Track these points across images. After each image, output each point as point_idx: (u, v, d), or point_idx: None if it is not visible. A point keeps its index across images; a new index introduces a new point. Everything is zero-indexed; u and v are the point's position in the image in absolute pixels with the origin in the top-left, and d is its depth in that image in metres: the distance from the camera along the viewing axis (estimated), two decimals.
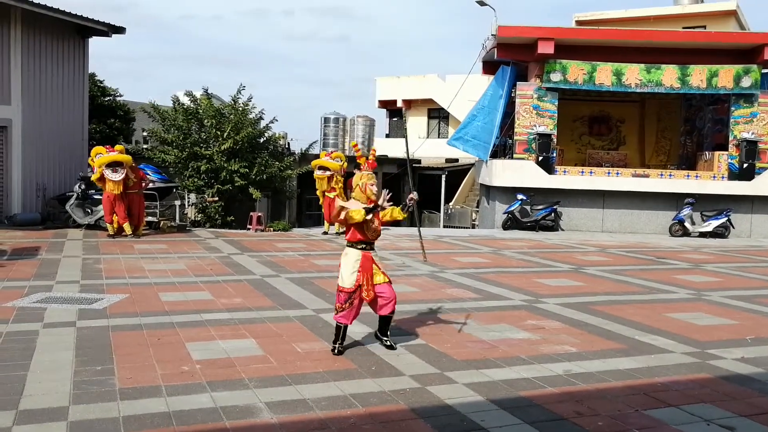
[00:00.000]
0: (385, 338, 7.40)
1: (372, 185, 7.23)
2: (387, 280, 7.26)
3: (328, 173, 18.92)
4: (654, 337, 8.29)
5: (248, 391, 5.93)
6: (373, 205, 7.08)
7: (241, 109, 21.04)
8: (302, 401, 5.73)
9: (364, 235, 7.15)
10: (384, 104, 47.91)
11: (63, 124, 20.31)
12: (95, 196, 17.88)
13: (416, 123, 46.74)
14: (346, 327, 7.22)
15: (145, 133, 25.66)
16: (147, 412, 5.36)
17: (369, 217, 7.01)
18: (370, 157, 7.58)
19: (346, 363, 6.84)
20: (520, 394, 6.09)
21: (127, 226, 16.68)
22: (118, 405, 5.50)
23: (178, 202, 20.97)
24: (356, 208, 6.98)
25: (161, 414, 5.34)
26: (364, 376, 6.44)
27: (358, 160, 7.52)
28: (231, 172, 19.91)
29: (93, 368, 6.41)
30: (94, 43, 22.57)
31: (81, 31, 20.81)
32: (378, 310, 7.30)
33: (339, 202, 7.30)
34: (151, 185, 18.53)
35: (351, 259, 7.16)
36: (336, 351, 7.11)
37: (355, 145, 7.91)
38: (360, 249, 7.17)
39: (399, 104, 46.55)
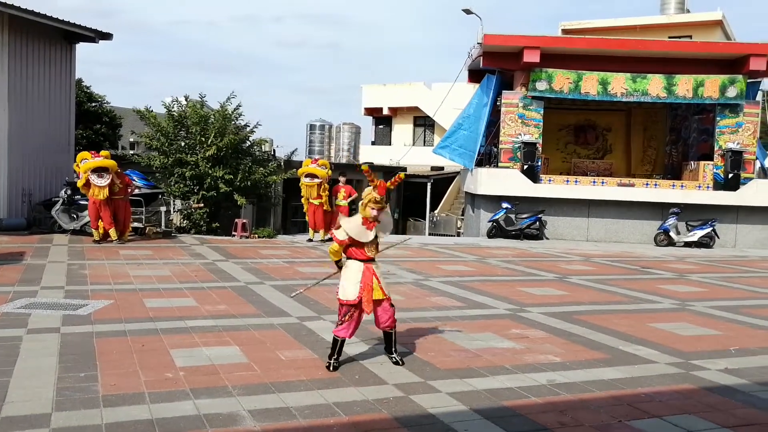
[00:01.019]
0: (391, 355, 7.24)
1: (374, 210, 6.90)
2: (384, 297, 7.03)
3: (316, 180, 18.88)
4: (638, 347, 8.31)
5: (232, 399, 5.91)
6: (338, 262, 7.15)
7: (224, 114, 20.96)
8: (285, 409, 5.72)
9: (363, 254, 7.02)
10: (370, 112, 48.04)
11: (49, 130, 20.22)
12: (81, 202, 17.81)
13: (402, 131, 46.88)
14: (343, 341, 7.04)
15: (131, 139, 25.57)
16: (130, 419, 5.33)
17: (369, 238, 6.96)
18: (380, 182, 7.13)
19: (330, 371, 6.83)
20: (503, 404, 6.09)
21: (112, 232, 16.62)
22: (101, 412, 5.47)
23: (163, 208, 20.93)
24: (334, 247, 7.05)
25: (144, 421, 5.32)
26: (347, 385, 6.43)
27: (371, 184, 7.15)
28: (215, 178, 19.88)
29: (76, 375, 6.38)
30: (83, 48, 22.51)
31: (68, 36, 20.73)
32: (377, 324, 7.19)
33: (342, 223, 7.14)
34: (136, 191, 18.47)
35: (353, 271, 6.98)
36: (332, 367, 6.91)
37: (367, 169, 7.57)
38: (361, 261, 7.02)
39: (385, 112, 46.68)
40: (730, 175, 22.28)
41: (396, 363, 7.15)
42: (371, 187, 7.00)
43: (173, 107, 21.23)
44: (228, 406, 5.72)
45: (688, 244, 21.87)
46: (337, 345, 7.00)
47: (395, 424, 5.52)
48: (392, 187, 7.11)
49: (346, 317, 6.96)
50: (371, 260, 7.07)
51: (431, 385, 6.52)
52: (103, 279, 11.69)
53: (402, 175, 7.42)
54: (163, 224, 20.55)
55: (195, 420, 5.40)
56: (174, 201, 21.28)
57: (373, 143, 47.95)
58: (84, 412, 5.45)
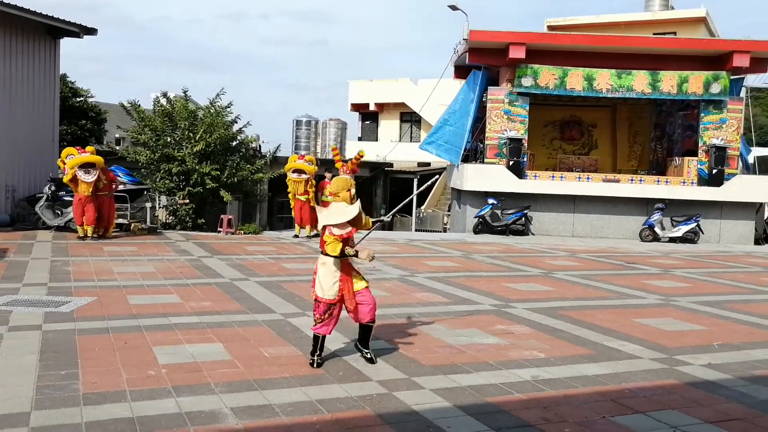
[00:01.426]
0: (366, 350, 7.09)
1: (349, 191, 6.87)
2: (367, 284, 6.99)
3: (304, 176, 18.83)
4: (622, 343, 8.33)
5: (214, 396, 5.87)
6: (354, 251, 6.76)
7: (215, 111, 20.95)
8: (268, 407, 5.69)
9: (342, 252, 6.84)
10: (357, 107, 48.00)
11: (33, 125, 20.07)
12: (65, 198, 17.71)
13: (388, 127, 46.84)
14: (324, 337, 6.96)
15: (118, 135, 25.39)
16: (110, 418, 5.28)
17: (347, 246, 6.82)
18: (354, 160, 7.30)
19: (313, 368, 6.79)
20: (487, 400, 6.08)
21: (90, 230, 16.46)
22: (81, 410, 5.42)
23: (149, 204, 20.83)
24: (334, 245, 6.73)
25: (125, 419, 5.27)
26: (331, 382, 6.41)
27: (336, 164, 7.24)
28: (202, 174, 19.80)
29: (57, 373, 6.32)
30: (68, 43, 22.36)
31: (52, 31, 20.57)
32: (357, 318, 7.02)
33: (323, 217, 6.92)
34: (121, 187, 18.37)
35: (331, 269, 6.85)
36: (315, 364, 6.83)
37: (335, 149, 7.66)
38: (338, 257, 6.86)
39: (372, 107, 46.64)
40: (714, 171, 22.35)
41: (369, 360, 7.03)
42: (347, 175, 7.05)
43: (160, 101, 21.19)
44: (210, 404, 5.69)
45: (672, 240, 21.95)
46: (318, 342, 6.93)
47: (378, 420, 5.50)
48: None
49: (326, 315, 6.86)
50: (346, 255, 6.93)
51: (415, 382, 6.50)
52: (87, 276, 11.61)
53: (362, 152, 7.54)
54: (148, 220, 20.45)
55: (176, 418, 5.36)
56: (159, 197, 21.19)
57: (359, 139, 47.91)
58: (64, 411, 5.39)
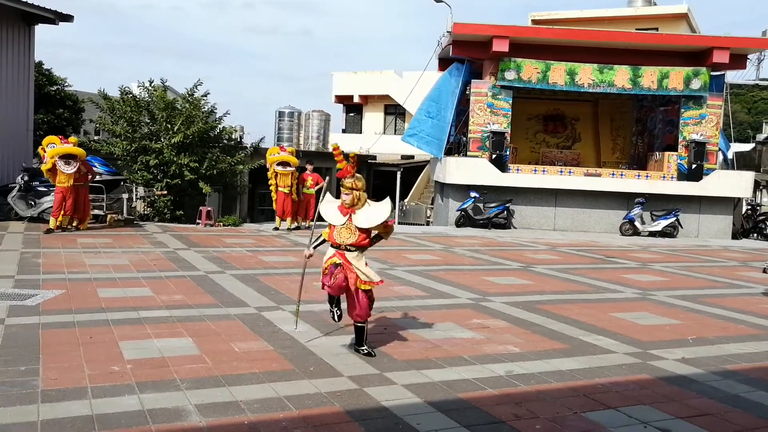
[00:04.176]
0: (361, 348, 7.10)
1: (346, 195, 6.93)
2: (363, 287, 7.02)
3: (290, 169, 18.67)
4: (598, 337, 8.26)
5: (179, 393, 5.73)
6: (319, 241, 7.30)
7: (193, 102, 20.73)
8: (234, 403, 5.56)
9: (333, 240, 7.03)
10: (341, 99, 47.83)
11: (6, 114, 19.68)
12: (39, 188, 17.42)
13: (373, 119, 46.69)
14: (334, 297, 7.13)
15: (94, 124, 25.04)
16: (68, 416, 5.11)
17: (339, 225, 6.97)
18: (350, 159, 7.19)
19: (284, 363, 6.67)
20: (458, 396, 5.98)
21: (65, 220, 16.18)
22: (39, 408, 5.25)
23: (125, 195, 20.59)
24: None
25: (83, 417, 5.11)
26: (300, 377, 6.28)
27: (339, 165, 7.09)
28: (180, 166, 19.58)
29: (16, 368, 6.14)
30: (48, 31, 22.02)
31: (26, 17, 20.18)
32: (349, 313, 7.14)
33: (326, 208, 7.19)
34: (97, 178, 18.09)
35: (330, 250, 7.09)
36: (335, 316, 7.26)
37: (337, 147, 7.51)
38: (335, 248, 7.06)
39: (356, 99, 46.50)
40: (694, 166, 22.43)
41: (367, 354, 7.00)
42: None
43: (140, 92, 20.93)
44: (174, 401, 5.54)
45: (652, 234, 21.98)
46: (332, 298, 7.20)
47: (346, 417, 5.39)
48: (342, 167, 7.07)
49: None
50: (343, 248, 7.01)
51: (387, 377, 6.39)
52: (57, 268, 11.38)
53: (335, 146, 7.48)
54: (125, 212, 20.22)
55: (138, 415, 5.21)
56: (137, 188, 20.95)
57: (344, 131, 47.75)
58: (20, 408, 5.22)
